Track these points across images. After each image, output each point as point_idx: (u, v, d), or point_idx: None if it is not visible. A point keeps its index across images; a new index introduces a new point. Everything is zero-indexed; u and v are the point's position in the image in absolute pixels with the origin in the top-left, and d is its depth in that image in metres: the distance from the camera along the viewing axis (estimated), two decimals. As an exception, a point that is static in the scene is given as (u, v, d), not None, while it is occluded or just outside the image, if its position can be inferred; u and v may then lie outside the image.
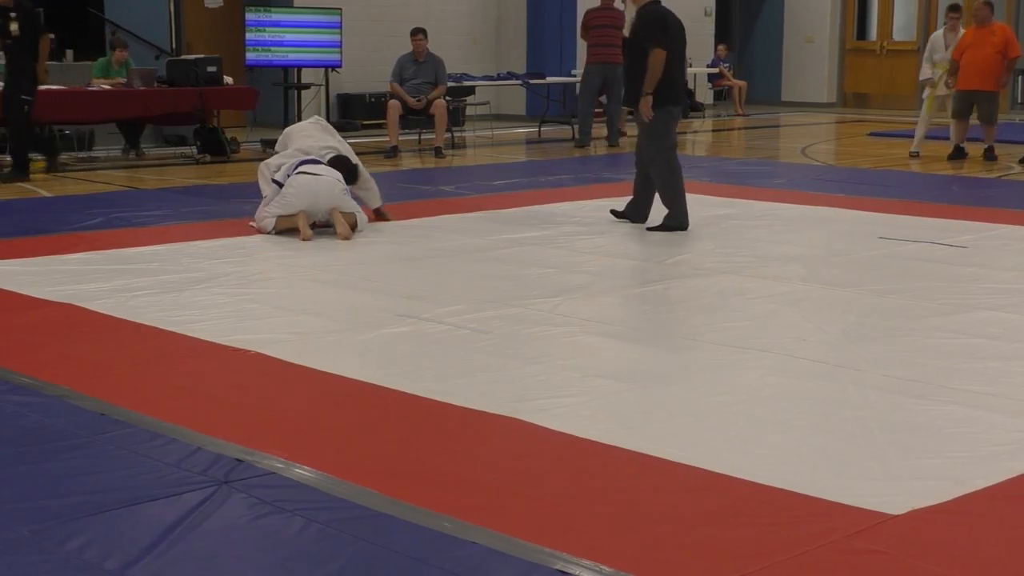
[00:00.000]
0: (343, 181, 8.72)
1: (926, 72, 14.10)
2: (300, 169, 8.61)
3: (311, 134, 9.29)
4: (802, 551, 3.51)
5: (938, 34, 14.22)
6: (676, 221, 8.84)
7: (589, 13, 15.59)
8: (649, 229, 8.90)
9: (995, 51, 13.38)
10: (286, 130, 9.80)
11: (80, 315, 6.35)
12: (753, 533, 3.65)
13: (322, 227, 8.55)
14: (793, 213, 9.87)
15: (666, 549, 3.54)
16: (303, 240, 8.27)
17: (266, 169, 9.00)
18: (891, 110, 20.08)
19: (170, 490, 3.93)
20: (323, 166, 8.74)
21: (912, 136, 14.52)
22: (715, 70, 20.82)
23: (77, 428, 4.56)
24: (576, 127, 15.79)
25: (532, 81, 17.53)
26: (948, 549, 3.55)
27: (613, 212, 9.27)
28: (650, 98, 8.60)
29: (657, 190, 8.98)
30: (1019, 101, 18.47)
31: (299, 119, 14.84)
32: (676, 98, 9.00)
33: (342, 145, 9.32)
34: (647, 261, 8.02)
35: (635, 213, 9.12)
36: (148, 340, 5.90)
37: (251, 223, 8.81)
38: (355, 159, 9.22)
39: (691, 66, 16.82)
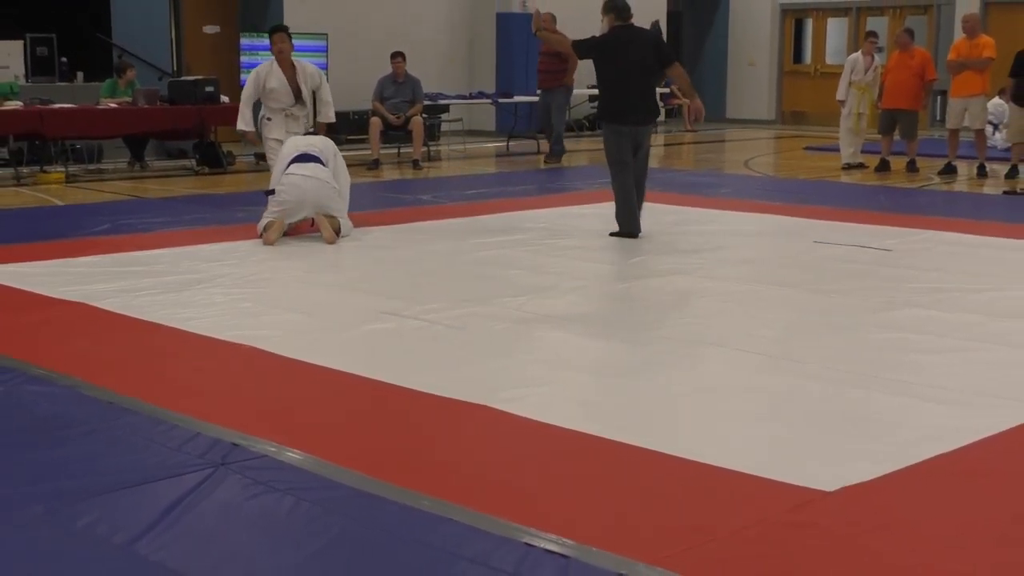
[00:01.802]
0: (333, 181, 8.52)
1: (842, 93, 14.12)
2: (290, 170, 8.40)
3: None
4: (750, 524, 3.53)
5: (857, 56, 14.27)
6: (626, 229, 8.64)
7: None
8: (610, 234, 8.74)
9: (913, 74, 13.51)
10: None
11: (90, 313, 6.31)
12: (707, 508, 3.66)
13: (305, 232, 8.49)
14: (738, 220, 9.90)
15: (626, 524, 3.54)
16: (265, 244, 8.17)
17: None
18: (824, 127, 20.12)
19: (172, 471, 3.92)
20: (312, 165, 8.44)
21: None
22: (667, 90, 20.82)
23: (87, 416, 4.54)
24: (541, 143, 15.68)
25: (501, 100, 17.56)
26: (874, 521, 3.57)
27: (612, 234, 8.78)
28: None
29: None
30: (938, 119, 18.58)
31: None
32: (621, 116, 8.57)
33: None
34: (608, 263, 8.02)
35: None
36: (151, 336, 5.87)
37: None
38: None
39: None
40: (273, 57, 9.22)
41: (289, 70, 9.17)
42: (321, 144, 8.73)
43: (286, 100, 9.16)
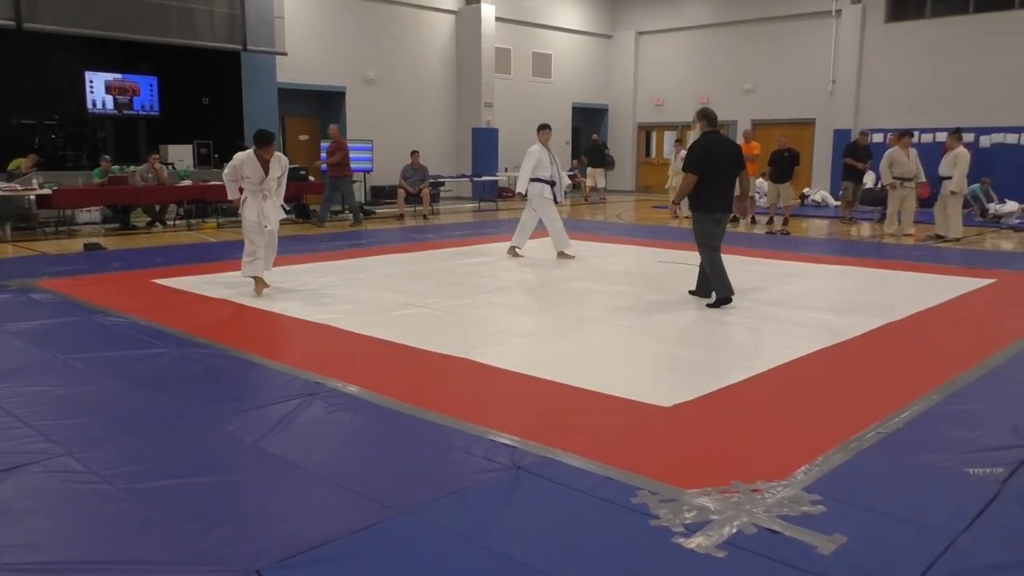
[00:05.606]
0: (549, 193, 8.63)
1: (673, 170, 14.53)
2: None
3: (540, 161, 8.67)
4: (623, 425, 3.56)
5: (675, 152, 14.66)
6: (723, 294, 6.29)
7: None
8: (708, 306, 6.29)
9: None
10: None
11: (232, 306, 6.24)
12: (598, 417, 3.69)
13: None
14: (615, 248, 9.93)
15: (549, 427, 3.55)
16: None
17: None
18: (662, 194, 20.31)
19: (280, 399, 3.90)
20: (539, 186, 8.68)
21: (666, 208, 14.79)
22: (572, 174, 20.80)
23: (229, 367, 4.49)
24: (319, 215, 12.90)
25: (475, 178, 17.50)
26: (697, 422, 3.60)
27: (691, 292, 6.75)
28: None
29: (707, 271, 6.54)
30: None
31: (352, 202, 14.29)
32: (713, 206, 6.36)
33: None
34: (540, 276, 8.01)
35: (702, 291, 6.62)
36: (266, 318, 5.82)
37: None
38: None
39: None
40: (251, 151, 6.86)
41: (264, 163, 6.88)
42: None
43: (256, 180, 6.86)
